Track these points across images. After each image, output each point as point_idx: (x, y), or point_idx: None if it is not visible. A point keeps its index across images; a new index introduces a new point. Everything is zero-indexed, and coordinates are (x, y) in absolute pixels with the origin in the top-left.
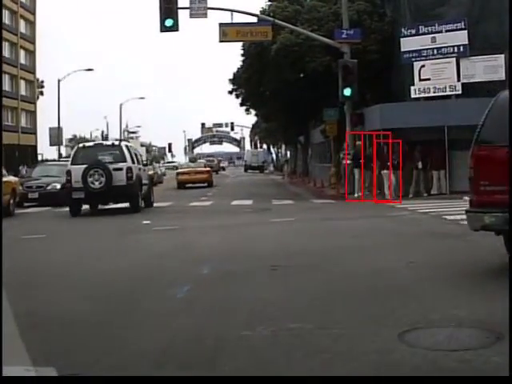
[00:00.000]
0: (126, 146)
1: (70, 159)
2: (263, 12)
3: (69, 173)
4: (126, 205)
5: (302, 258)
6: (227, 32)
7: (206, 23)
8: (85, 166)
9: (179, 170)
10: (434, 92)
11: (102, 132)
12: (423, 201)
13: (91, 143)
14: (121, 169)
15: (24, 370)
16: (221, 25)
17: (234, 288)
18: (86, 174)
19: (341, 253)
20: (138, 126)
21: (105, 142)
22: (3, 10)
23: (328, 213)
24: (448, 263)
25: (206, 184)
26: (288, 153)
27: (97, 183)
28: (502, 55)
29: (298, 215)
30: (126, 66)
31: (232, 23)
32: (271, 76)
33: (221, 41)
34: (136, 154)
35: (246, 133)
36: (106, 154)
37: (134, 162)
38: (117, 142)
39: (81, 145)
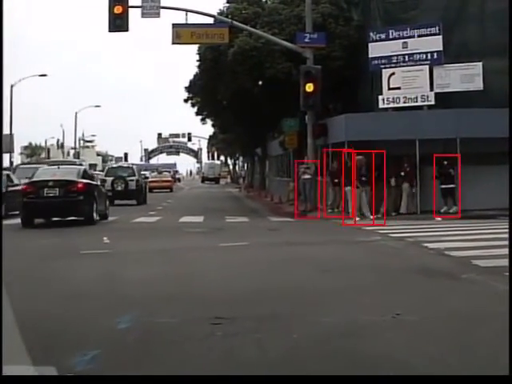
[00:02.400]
0: (135, 167)
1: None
2: (221, 13)
3: (104, 181)
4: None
5: (255, 306)
6: (181, 33)
7: (167, 27)
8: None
9: (150, 179)
10: (405, 102)
11: (58, 140)
12: (394, 222)
13: (115, 164)
14: (132, 180)
15: (24, 369)
16: (174, 25)
17: (154, 361)
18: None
19: (306, 298)
20: (94, 135)
21: (124, 164)
22: None
23: (288, 235)
24: (445, 317)
25: (169, 190)
26: (245, 165)
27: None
28: (480, 63)
29: (254, 238)
30: (82, 73)
31: (186, 24)
32: (227, 83)
33: (174, 43)
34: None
35: (204, 144)
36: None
37: (140, 176)
38: (130, 165)
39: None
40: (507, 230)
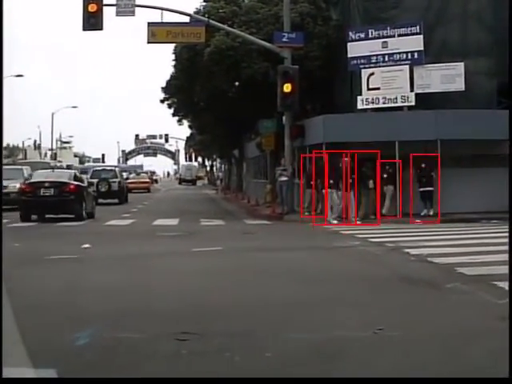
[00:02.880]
0: (117, 169)
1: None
2: (197, 12)
3: (91, 183)
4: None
5: (225, 321)
6: (156, 32)
7: (144, 25)
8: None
9: (129, 180)
10: (384, 103)
11: (35, 141)
12: (373, 226)
13: (99, 167)
14: (115, 181)
15: (24, 372)
16: (149, 24)
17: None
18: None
19: (281, 312)
20: (71, 136)
21: (107, 167)
22: None
23: (263, 239)
24: (431, 332)
25: (146, 190)
26: (223, 167)
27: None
28: (462, 63)
29: (228, 242)
30: (59, 73)
31: (162, 23)
32: (204, 84)
33: (149, 42)
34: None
35: (182, 145)
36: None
37: (122, 178)
38: (113, 167)
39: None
40: (492, 235)
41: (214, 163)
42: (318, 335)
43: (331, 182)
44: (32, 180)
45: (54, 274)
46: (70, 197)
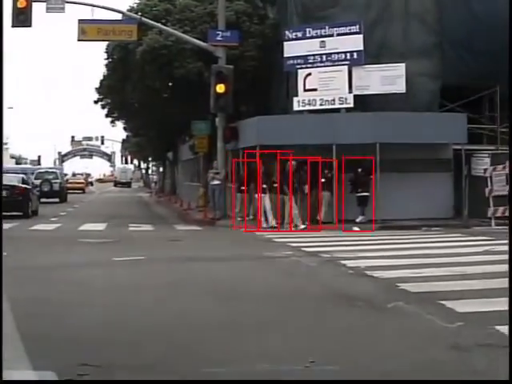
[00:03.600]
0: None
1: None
2: (130, 10)
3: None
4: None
5: (134, 349)
6: (86, 30)
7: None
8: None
9: (68, 181)
10: (321, 105)
11: None
12: (308, 233)
13: (43, 169)
14: (56, 182)
15: (24, 374)
16: (80, 21)
17: None
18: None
19: (198, 339)
20: (7, 138)
21: (50, 169)
22: None
23: (191, 247)
24: (373, 366)
25: (81, 191)
26: (158, 169)
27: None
28: (403, 64)
29: (153, 250)
30: None
31: (93, 20)
32: (136, 84)
33: (79, 40)
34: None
35: (118, 147)
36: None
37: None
38: (55, 169)
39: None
40: (434, 244)
41: (150, 166)
42: (239, 368)
43: (264, 186)
44: None
45: None
46: (19, 198)
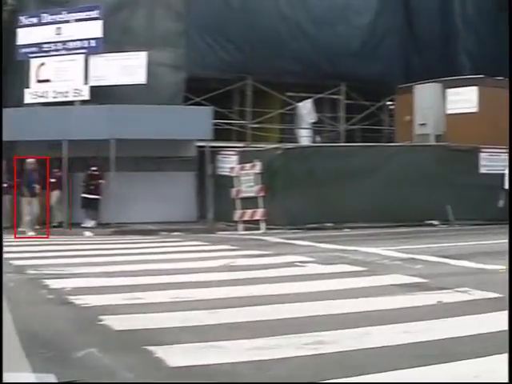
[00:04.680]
0: None
1: None
2: None
3: None
4: None
5: None
6: None
7: None
8: None
9: None
10: (55, 97)
11: None
12: (36, 239)
13: None
14: None
15: (24, 377)
16: None
17: None
18: None
19: None
20: None
21: None
22: None
23: None
24: None
25: None
26: None
27: None
28: (144, 53)
29: None
30: None
31: None
32: None
33: None
34: None
35: None
36: None
37: None
38: None
39: None
40: (171, 255)
41: None
42: None
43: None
44: None
45: None
46: None
